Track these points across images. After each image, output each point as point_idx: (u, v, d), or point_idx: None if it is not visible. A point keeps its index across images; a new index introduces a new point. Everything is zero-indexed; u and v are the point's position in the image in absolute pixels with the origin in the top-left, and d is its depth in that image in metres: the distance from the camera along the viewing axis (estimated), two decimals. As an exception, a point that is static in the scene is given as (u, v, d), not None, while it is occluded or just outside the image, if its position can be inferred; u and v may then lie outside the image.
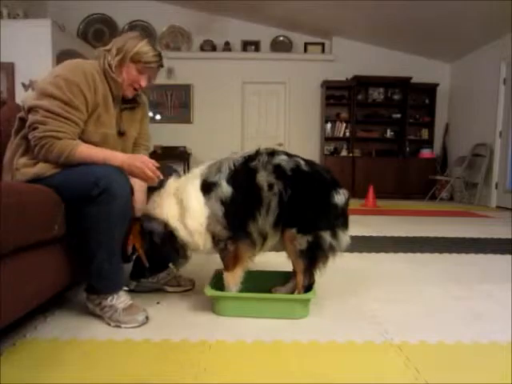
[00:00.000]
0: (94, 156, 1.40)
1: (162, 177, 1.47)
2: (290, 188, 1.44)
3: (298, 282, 1.51)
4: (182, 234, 1.47)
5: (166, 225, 1.48)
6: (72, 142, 1.39)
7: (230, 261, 1.50)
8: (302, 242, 1.45)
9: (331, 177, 1.55)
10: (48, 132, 1.35)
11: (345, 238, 1.51)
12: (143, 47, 1.51)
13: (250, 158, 1.50)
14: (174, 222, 1.47)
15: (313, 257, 1.48)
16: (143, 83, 1.56)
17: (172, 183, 1.54)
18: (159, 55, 1.56)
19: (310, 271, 1.51)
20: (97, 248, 1.37)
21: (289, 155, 1.51)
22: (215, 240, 1.48)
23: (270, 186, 1.43)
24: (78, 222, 1.37)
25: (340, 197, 1.48)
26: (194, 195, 1.46)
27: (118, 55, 1.50)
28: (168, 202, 1.50)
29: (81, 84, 1.40)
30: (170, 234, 1.48)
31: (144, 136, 1.79)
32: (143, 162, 1.42)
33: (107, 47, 1.54)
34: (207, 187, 1.46)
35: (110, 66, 1.50)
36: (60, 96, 1.37)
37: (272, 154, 1.50)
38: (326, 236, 1.45)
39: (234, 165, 1.48)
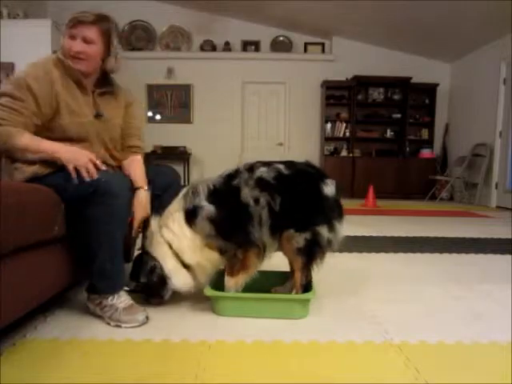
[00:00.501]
0: (41, 146, 1.38)
1: (94, 176, 1.36)
2: (278, 195, 1.44)
3: (296, 281, 1.51)
4: (179, 282, 1.49)
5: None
6: (13, 129, 1.36)
7: (237, 267, 1.49)
8: (300, 240, 1.45)
9: (315, 170, 1.55)
10: None
11: (341, 228, 1.51)
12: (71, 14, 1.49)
13: (230, 177, 1.49)
14: (172, 274, 1.48)
15: (311, 253, 1.48)
16: (74, 47, 1.48)
17: (156, 228, 1.53)
18: (83, 12, 1.49)
19: (307, 268, 1.51)
20: (98, 248, 1.37)
21: (267, 164, 1.50)
22: (223, 251, 1.48)
23: (256, 201, 1.43)
24: (79, 223, 1.37)
25: (329, 187, 1.49)
26: (181, 232, 1.47)
27: (62, 36, 1.50)
28: (161, 252, 1.50)
29: (27, 77, 1.41)
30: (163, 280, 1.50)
31: (135, 136, 1.77)
32: (86, 162, 1.34)
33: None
34: (190, 214, 1.45)
35: (63, 52, 1.50)
36: (5, 91, 1.39)
37: (251, 169, 1.49)
38: (324, 231, 1.46)
39: (214, 185, 1.48)
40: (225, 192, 1.46)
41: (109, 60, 1.58)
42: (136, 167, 1.68)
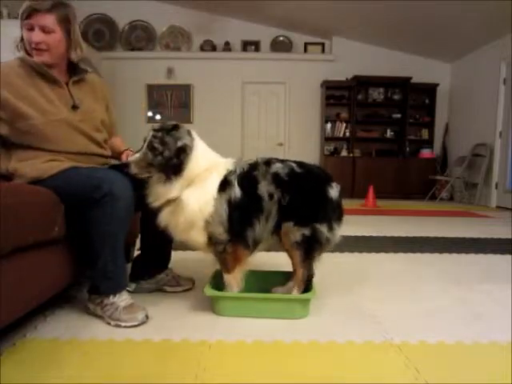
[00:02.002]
0: None
1: None
2: (287, 193, 1.45)
3: (298, 276, 1.51)
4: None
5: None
6: None
7: (231, 262, 1.50)
8: (298, 234, 1.46)
9: (323, 172, 1.58)
10: None
11: (339, 230, 1.53)
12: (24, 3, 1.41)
13: (252, 167, 1.50)
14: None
15: (309, 248, 1.49)
16: (35, 37, 1.41)
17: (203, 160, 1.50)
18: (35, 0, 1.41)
19: (308, 262, 1.52)
20: (101, 249, 1.37)
21: (282, 161, 1.53)
22: (212, 242, 1.48)
23: (271, 196, 1.44)
24: (81, 225, 1.37)
25: (334, 190, 1.51)
26: (212, 188, 1.44)
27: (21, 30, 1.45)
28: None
29: None
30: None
31: (112, 126, 1.78)
32: None
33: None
34: (224, 184, 1.45)
35: (25, 49, 1.47)
36: None
37: (268, 163, 1.50)
38: (323, 229, 1.47)
39: (243, 169, 1.49)
40: (248, 180, 1.46)
41: (72, 48, 1.53)
42: (116, 140, 1.76)
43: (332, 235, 1.50)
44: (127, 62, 6.83)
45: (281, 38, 7.02)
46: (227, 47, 6.92)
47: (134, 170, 1.43)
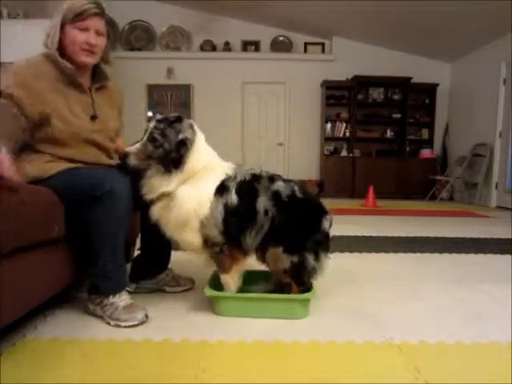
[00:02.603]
0: None
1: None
2: (283, 213, 1.44)
3: (293, 289, 1.53)
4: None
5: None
6: None
7: (227, 262, 1.49)
8: (287, 262, 1.46)
9: (321, 203, 1.58)
10: None
11: (325, 261, 1.52)
12: (71, 2, 1.40)
13: (254, 178, 1.49)
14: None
15: (298, 275, 1.50)
16: (92, 39, 1.43)
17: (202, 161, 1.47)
18: (87, 2, 1.41)
19: (301, 286, 1.53)
20: (101, 249, 1.37)
21: (285, 181, 1.52)
22: (208, 244, 1.47)
23: (266, 212, 1.44)
24: (81, 224, 1.37)
25: (327, 223, 1.53)
26: (209, 190, 1.43)
27: (56, 29, 1.41)
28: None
29: (14, 85, 1.35)
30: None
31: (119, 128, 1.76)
32: None
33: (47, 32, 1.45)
34: (221, 189, 1.44)
35: (57, 50, 1.43)
36: None
37: (272, 179, 1.50)
38: (310, 258, 1.47)
39: (245, 178, 1.47)
40: (247, 190, 1.45)
41: (107, 53, 1.56)
42: (118, 141, 1.72)
43: (318, 265, 1.50)
44: (127, 62, 6.83)
45: (281, 38, 7.03)
46: (227, 47, 6.92)
47: (132, 161, 1.41)
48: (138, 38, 6.95)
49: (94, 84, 1.57)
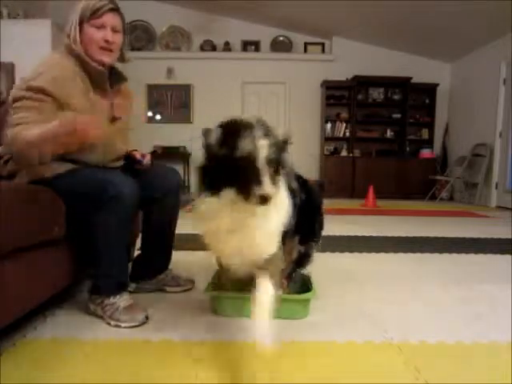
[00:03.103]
0: (46, 131, 1.22)
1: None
2: (307, 211, 1.42)
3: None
4: None
5: None
6: (21, 126, 1.25)
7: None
8: (295, 252, 1.50)
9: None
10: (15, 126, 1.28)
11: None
12: (86, 2, 1.39)
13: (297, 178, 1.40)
14: None
15: (301, 263, 1.56)
16: (109, 36, 1.41)
17: None
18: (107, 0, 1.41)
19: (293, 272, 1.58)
20: (103, 250, 1.37)
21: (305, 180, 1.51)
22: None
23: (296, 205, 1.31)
24: (84, 225, 1.36)
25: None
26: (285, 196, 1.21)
27: (75, 29, 1.39)
28: None
29: (45, 82, 1.32)
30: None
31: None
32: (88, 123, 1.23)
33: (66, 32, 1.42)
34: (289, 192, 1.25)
35: (88, 44, 1.40)
36: (23, 95, 1.31)
37: (301, 180, 1.44)
38: (314, 247, 1.56)
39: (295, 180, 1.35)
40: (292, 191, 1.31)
41: (124, 51, 1.55)
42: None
43: (314, 253, 1.59)
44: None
45: (281, 38, 7.02)
46: (227, 47, 6.92)
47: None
48: (138, 37, 6.95)
49: (114, 86, 1.54)
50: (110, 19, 1.42)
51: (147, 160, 1.63)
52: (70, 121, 1.21)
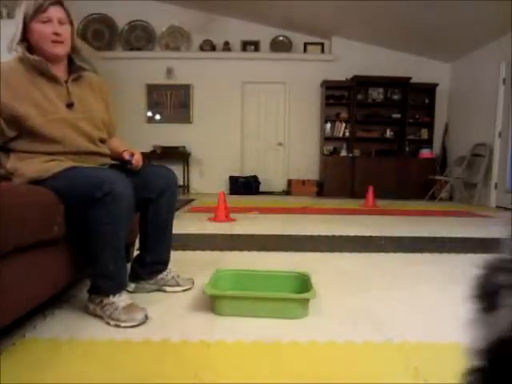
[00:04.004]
0: None
1: None
2: None
3: None
4: None
5: None
6: None
7: None
8: None
9: None
10: None
11: None
12: (26, 2, 1.45)
13: None
14: None
15: None
16: (57, 28, 1.45)
17: None
18: None
19: None
20: (102, 249, 1.37)
21: None
22: None
23: None
24: (82, 225, 1.37)
25: None
26: None
27: (19, 27, 1.45)
28: None
29: None
30: None
31: (111, 126, 1.76)
32: None
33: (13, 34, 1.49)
34: None
35: (26, 48, 1.45)
36: None
37: None
38: None
39: None
40: None
41: (76, 39, 1.57)
42: (115, 141, 1.74)
43: None
44: (127, 62, 6.83)
45: (280, 38, 7.03)
46: (227, 47, 6.92)
47: None
48: (138, 37, 6.95)
49: (70, 76, 1.57)
50: (55, 13, 1.45)
51: (136, 159, 1.63)
52: None
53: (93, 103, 1.62)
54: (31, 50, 1.47)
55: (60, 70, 1.54)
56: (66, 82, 1.55)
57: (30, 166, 1.42)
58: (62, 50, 1.49)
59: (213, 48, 6.95)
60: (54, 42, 1.45)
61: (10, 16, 4.91)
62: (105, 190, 1.30)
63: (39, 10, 1.43)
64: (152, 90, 7.00)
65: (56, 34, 1.45)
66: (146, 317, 1.41)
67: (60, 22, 1.47)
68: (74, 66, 1.60)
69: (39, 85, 1.46)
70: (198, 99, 7.04)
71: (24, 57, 1.46)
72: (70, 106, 1.52)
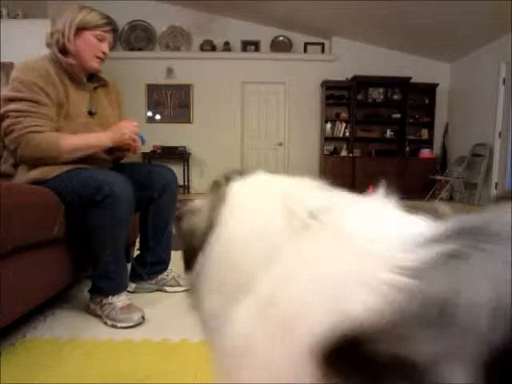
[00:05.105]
0: (85, 146, 1.44)
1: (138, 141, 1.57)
2: None
3: None
4: None
5: None
6: (55, 134, 1.40)
7: None
8: None
9: None
10: (25, 129, 1.35)
11: None
12: (92, 13, 1.52)
13: None
14: None
15: None
16: (106, 49, 1.57)
17: None
18: (108, 18, 1.58)
19: None
20: (102, 250, 1.38)
21: None
22: None
23: None
24: (82, 226, 1.37)
25: None
26: None
27: (71, 29, 1.48)
28: None
29: (38, 82, 1.40)
30: None
31: None
32: (126, 127, 1.52)
33: (54, 28, 1.54)
34: None
35: (63, 49, 1.49)
36: (24, 96, 1.37)
37: None
38: None
39: None
40: None
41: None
42: None
43: None
44: (127, 62, 6.83)
45: (280, 38, 7.02)
46: (227, 47, 6.91)
47: None
48: (138, 37, 6.95)
49: (92, 84, 1.62)
50: (110, 36, 1.59)
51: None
52: (117, 133, 1.50)
53: (108, 109, 1.67)
54: (64, 53, 1.51)
55: (85, 78, 1.60)
56: (89, 89, 1.60)
57: (33, 166, 1.41)
58: (98, 67, 1.59)
59: (213, 48, 6.94)
60: (97, 57, 1.54)
61: (11, 16, 4.92)
62: (104, 192, 1.31)
63: (101, 29, 1.52)
64: (152, 89, 6.99)
65: (104, 53, 1.57)
66: (143, 317, 1.41)
67: (109, 45, 1.59)
68: (95, 77, 1.65)
69: (66, 87, 1.50)
70: (198, 99, 7.04)
71: (56, 58, 1.50)
72: (92, 114, 1.57)
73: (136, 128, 1.55)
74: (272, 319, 0.35)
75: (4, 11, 4.87)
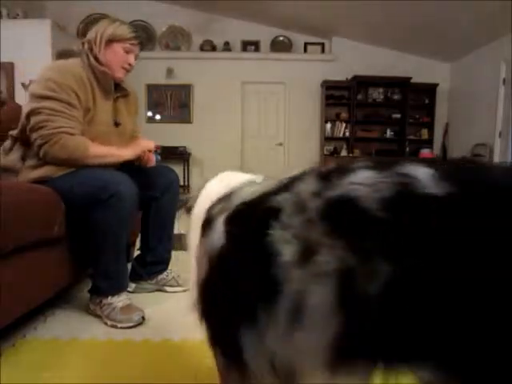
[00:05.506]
0: (108, 156, 1.48)
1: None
2: None
3: None
4: None
5: None
6: (85, 139, 1.42)
7: None
8: None
9: None
10: (58, 128, 1.36)
11: None
12: (122, 26, 1.57)
13: None
14: None
15: None
16: (132, 61, 1.62)
17: None
18: (136, 31, 1.65)
19: None
20: (103, 250, 1.38)
21: None
22: None
23: None
24: (85, 225, 1.37)
25: None
26: None
27: (102, 40, 1.53)
28: None
29: (73, 85, 1.42)
30: None
31: (136, 131, 1.83)
32: (146, 147, 1.65)
33: (87, 38, 1.57)
34: None
35: (96, 58, 1.53)
36: (59, 97, 1.38)
37: None
38: None
39: None
40: None
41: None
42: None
43: None
44: (127, 62, 6.83)
45: (280, 38, 7.02)
46: (227, 47, 6.91)
47: None
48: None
49: (115, 94, 1.64)
50: (137, 49, 1.65)
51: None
52: (136, 149, 1.64)
53: (126, 116, 1.69)
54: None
55: (112, 87, 1.63)
56: (113, 98, 1.62)
57: (39, 165, 1.41)
58: (123, 77, 1.65)
59: (213, 48, 6.94)
60: (124, 69, 1.59)
61: (11, 16, 4.92)
62: (109, 191, 1.31)
63: (129, 41, 1.57)
64: (152, 89, 6.99)
65: (130, 65, 1.62)
66: (143, 318, 1.41)
67: (135, 57, 1.65)
68: (119, 87, 1.68)
69: (95, 94, 1.52)
70: (198, 99, 7.04)
71: (88, 65, 1.52)
72: (117, 124, 1.62)
73: (152, 147, 1.70)
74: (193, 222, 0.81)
75: (4, 11, 4.87)
